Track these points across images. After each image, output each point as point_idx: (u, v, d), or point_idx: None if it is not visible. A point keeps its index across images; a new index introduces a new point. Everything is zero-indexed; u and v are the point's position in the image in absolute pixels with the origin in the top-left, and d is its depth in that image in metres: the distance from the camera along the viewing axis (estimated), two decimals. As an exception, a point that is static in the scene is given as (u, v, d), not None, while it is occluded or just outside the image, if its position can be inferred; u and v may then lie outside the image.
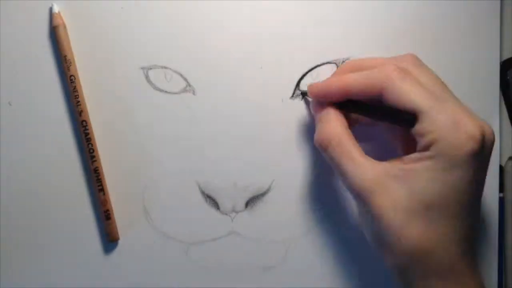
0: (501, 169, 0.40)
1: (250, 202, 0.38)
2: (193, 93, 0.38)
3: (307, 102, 0.38)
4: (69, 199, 0.37)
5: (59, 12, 0.36)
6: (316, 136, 0.33)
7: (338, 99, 0.33)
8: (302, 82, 0.38)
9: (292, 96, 0.38)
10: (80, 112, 0.36)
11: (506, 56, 0.40)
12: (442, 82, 0.33)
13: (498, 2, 0.39)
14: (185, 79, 0.37)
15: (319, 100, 0.34)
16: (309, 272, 0.39)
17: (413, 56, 0.34)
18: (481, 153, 0.30)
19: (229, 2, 0.37)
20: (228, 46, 0.37)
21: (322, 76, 0.38)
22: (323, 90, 0.34)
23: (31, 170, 0.37)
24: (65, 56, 0.36)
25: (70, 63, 0.36)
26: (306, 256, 0.39)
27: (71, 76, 0.36)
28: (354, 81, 0.32)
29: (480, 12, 0.39)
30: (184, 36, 0.37)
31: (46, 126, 0.37)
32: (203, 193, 0.38)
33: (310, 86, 0.35)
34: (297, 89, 0.38)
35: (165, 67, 0.37)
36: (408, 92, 0.30)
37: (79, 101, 0.36)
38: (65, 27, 0.36)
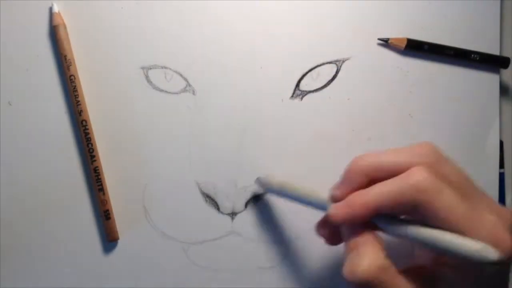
0: (501, 145, 0.40)
1: (250, 203, 0.38)
2: (193, 93, 0.38)
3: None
4: (68, 199, 0.37)
5: (59, 12, 0.36)
6: (349, 269, 0.28)
7: (366, 220, 0.29)
8: (302, 82, 0.38)
9: (292, 96, 0.38)
10: (80, 112, 0.36)
11: (506, 55, 0.40)
12: (466, 176, 0.30)
13: (498, 2, 0.39)
14: (185, 79, 0.37)
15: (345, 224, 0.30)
16: (308, 272, 0.39)
17: (433, 148, 0.30)
18: None
19: (229, 2, 0.37)
20: (228, 46, 0.37)
21: (322, 76, 0.38)
22: (349, 216, 0.29)
23: (30, 170, 0.37)
24: (65, 56, 0.36)
25: (70, 63, 0.36)
26: (306, 257, 0.39)
27: (71, 75, 0.36)
28: (379, 199, 0.28)
29: (479, 12, 0.39)
30: (184, 36, 0.37)
31: (46, 126, 0.37)
32: (202, 193, 0.38)
33: (331, 212, 0.30)
34: (297, 89, 0.38)
35: (165, 67, 0.37)
36: (445, 210, 0.27)
37: (79, 101, 0.36)
38: (65, 26, 0.36)
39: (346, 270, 0.28)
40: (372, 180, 0.29)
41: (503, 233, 0.27)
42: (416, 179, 0.27)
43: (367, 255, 0.28)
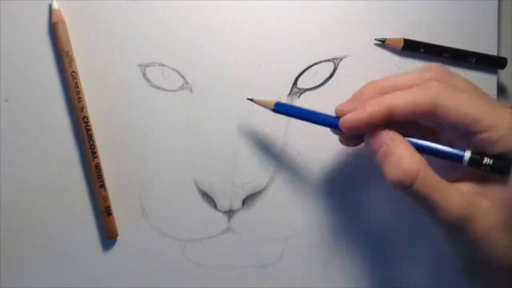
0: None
1: (247, 200, 0.38)
2: (191, 91, 0.38)
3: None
4: (67, 196, 0.37)
5: (59, 9, 0.36)
6: (393, 173, 0.29)
7: (378, 125, 0.30)
8: (300, 80, 0.38)
9: (290, 94, 0.38)
10: (82, 109, 0.36)
11: (503, 55, 0.40)
12: (476, 86, 0.32)
13: (496, 2, 0.39)
14: (183, 77, 0.37)
15: (362, 129, 0.30)
16: (305, 271, 0.39)
17: (441, 67, 0.32)
18: None
19: (226, 0, 0.37)
20: (226, 44, 0.38)
21: (319, 74, 0.38)
22: (364, 117, 0.30)
23: (28, 167, 0.37)
24: (66, 52, 0.36)
25: (72, 59, 0.36)
26: (303, 255, 0.39)
27: (72, 72, 0.36)
28: (401, 101, 0.29)
29: (477, 12, 0.39)
30: (181, 34, 0.37)
31: (43, 122, 0.37)
32: (200, 190, 0.38)
33: (344, 120, 0.31)
34: (294, 87, 0.38)
35: (163, 65, 0.37)
36: (463, 105, 0.29)
37: (80, 98, 0.36)
38: (65, 23, 0.36)
39: (390, 175, 0.29)
40: None
41: None
42: (432, 85, 0.29)
43: (405, 155, 0.29)
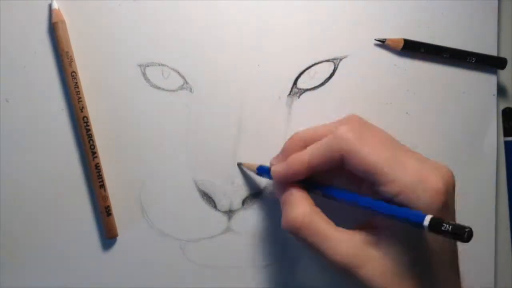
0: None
1: (247, 200, 0.38)
2: (190, 91, 0.38)
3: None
4: (67, 196, 0.37)
5: (59, 8, 0.36)
6: (283, 220, 0.32)
7: (303, 176, 0.33)
8: (300, 80, 0.38)
9: (289, 94, 0.38)
10: (82, 109, 0.36)
11: (503, 55, 0.40)
12: (391, 136, 0.33)
13: (496, 2, 0.39)
14: (183, 77, 0.37)
15: (281, 183, 0.34)
16: (305, 270, 0.39)
17: (356, 117, 0.34)
18: (447, 201, 0.29)
19: (226, 0, 0.37)
20: (226, 44, 0.38)
21: (319, 74, 0.38)
22: (285, 172, 0.33)
23: (28, 167, 0.37)
24: (66, 52, 0.36)
25: (72, 59, 0.36)
26: (303, 255, 0.39)
27: (72, 72, 0.36)
28: (312, 154, 0.32)
29: (477, 12, 0.39)
30: (181, 34, 0.37)
31: (43, 123, 0.37)
32: (200, 190, 0.38)
33: (272, 172, 0.34)
34: (294, 87, 0.38)
35: (163, 65, 0.37)
36: (369, 154, 0.30)
37: (80, 98, 0.36)
38: (65, 23, 0.36)
39: (282, 222, 0.32)
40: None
41: (429, 174, 0.29)
42: (340, 132, 0.31)
43: (295, 204, 0.32)
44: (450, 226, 0.26)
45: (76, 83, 0.36)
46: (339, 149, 0.31)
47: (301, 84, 0.38)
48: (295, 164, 0.32)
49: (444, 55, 0.39)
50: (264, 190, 0.38)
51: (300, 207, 0.32)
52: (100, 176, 0.37)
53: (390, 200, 0.29)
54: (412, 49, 0.38)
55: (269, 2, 0.38)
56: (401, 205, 0.29)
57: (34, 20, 0.36)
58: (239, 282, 0.39)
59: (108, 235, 0.37)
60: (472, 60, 0.39)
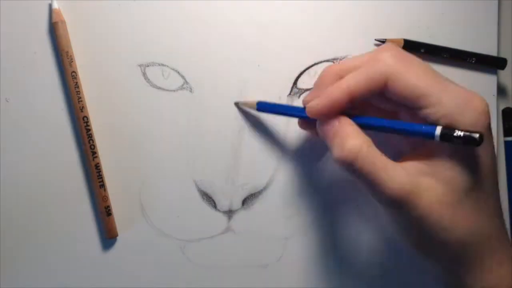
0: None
1: (247, 200, 0.38)
2: (191, 91, 0.38)
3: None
4: (67, 196, 0.37)
5: (59, 9, 0.36)
6: (339, 151, 0.30)
7: (343, 108, 0.31)
8: (300, 80, 0.38)
9: (290, 94, 0.38)
10: (82, 108, 0.36)
11: (503, 56, 0.40)
12: (429, 65, 0.32)
13: (496, 2, 0.39)
14: (183, 77, 0.37)
15: (328, 114, 0.31)
16: (305, 270, 0.39)
17: (394, 45, 0.33)
18: (490, 123, 0.30)
19: (226, 0, 0.37)
20: (226, 44, 0.38)
21: (319, 74, 0.38)
22: (324, 104, 0.31)
23: (28, 167, 0.37)
24: (66, 52, 0.36)
25: (72, 59, 0.36)
26: (303, 254, 0.39)
27: (72, 72, 0.36)
28: (356, 80, 0.31)
29: (477, 12, 0.39)
30: (181, 34, 0.37)
31: (45, 123, 0.37)
32: (200, 190, 0.38)
33: (309, 107, 0.31)
34: (294, 87, 0.38)
35: (163, 65, 0.37)
36: (413, 78, 0.30)
37: (80, 97, 0.36)
38: (65, 23, 0.36)
39: (335, 155, 0.30)
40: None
41: (473, 96, 0.29)
42: (383, 57, 0.30)
43: (350, 135, 0.30)
44: (462, 132, 0.27)
45: (76, 83, 0.36)
46: (383, 73, 0.30)
47: (301, 84, 0.38)
48: (334, 93, 0.31)
49: (444, 55, 0.39)
50: (264, 190, 0.38)
51: (357, 138, 0.30)
52: (100, 176, 0.37)
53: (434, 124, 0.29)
54: (412, 49, 0.38)
55: (269, 2, 0.38)
56: (445, 127, 0.29)
57: (34, 20, 0.36)
58: (239, 282, 0.39)
59: (108, 235, 0.37)
60: (472, 60, 0.39)
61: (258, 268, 0.39)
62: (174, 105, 0.38)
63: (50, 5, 0.36)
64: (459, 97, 0.29)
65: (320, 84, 0.33)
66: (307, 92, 0.38)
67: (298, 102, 0.38)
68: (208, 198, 0.38)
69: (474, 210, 0.30)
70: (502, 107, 0.41)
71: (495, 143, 0.40)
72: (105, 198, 0.37)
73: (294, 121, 0.38)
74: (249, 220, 0.38)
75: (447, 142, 0.28)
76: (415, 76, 0.30)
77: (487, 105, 0.30)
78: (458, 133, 0.28)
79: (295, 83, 0.38)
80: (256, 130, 0.38)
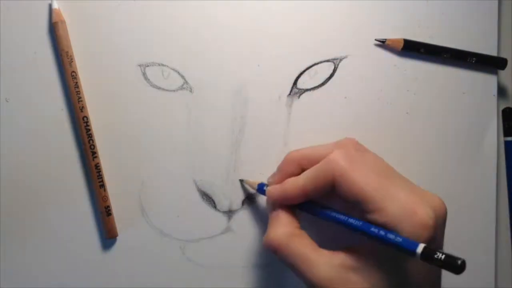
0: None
1: (247, 200, 0.38)
2: (190, 91, 0.38)
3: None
4: (67, 196, 0.37)
5: (59, 9, 0.36)
6: (264, 239, 0.33)
7: (298, 201, 0.33)
8: (300, 80, 0.38)
9: (290, 94, 0.38)
10: (82, 108, 0.36)
11: (503, 56, 0.40)
12: (387, 164, 0.33)
13: (496, 2, 0.39)
14: (183, 77, 0.38)
15: (276, 203, 0.34)
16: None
17: (353, 141, 0.34)
18: (435, 235, 0.29)
19: (226, 0, 0.37)
20: (226, 44, 0.38)
21: (319, 74, 0.38)
22: (280, 196, 0.33)
23: (29, 167, 0.37)
24: (66, 52, 0.36)
25: (72, 59, 0.36)
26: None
27: (72, 72, 0.36)
28: (307, 179, 0.32)
29: (478, 12, 0.39)
30: (181, 34, 0.37)
31: (45, 123, 0.37)
32: (199, 191, 0.38)
33: (268, 193, 0.34)
34: (294, 87, 0.38)
35: (163, 65, 0.37)
36: (357, 182, 0.30)
37: (80, 97, 0.36)
38: (65, 23, 0.36)
39: (263, 241, 0.33)
40: (304, 170, 0.33)
41: (418, 206, 0.29)
42: (332, 158, 0.31)
43: (277, 224, 0.33)
44: (443, 256, 0.26)
45: (76, 83, 0.36)
46: (331, 174, 0.31)
47: (301, 84, 0.38)
48: (290, 189, 0.33)
49: (444, 55, 0.39)
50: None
51: (281, 228, 0.32)
52: (100, 176, 0.37)
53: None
54: (412, 49, 0.38)
55: (269, 2, 0.38)
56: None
57: (34, 20, 0.36)
58: (239, 282, 0.39)
59: (108, 235, 0.37)
60: (472, 60, 0.39)
61: (258, 268, 0.39)
62: (174, 105, 0.38)
63: (50, 5, 0.36)
64: (402, 206, 0.29)
65: (281, 170, 0.35)
66: (307, 92, 0.38)
67: (298, 102, 0.38)
68: (208, 198, 0.38)
69: None
70: (502, 107, 0.41)
71: (495, 143, 0.40)
72: (105, 198, 0.37)
73: (295, 121, 0.38)
74: (249, 220, 0.38)
75: (427, 262, 0.27)
76: (360, 179, 0.30)
77: (432, 218, 0.29)
78: (439, 255, 0.26)
79: (295, 83, 0.38)
80: (256, 130, 0.38)
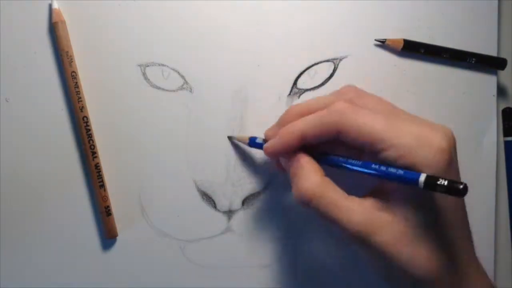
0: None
1: (247, 201, 0.38)
2: (190, 91, 0.38)
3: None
4: (67, 196, 0.37)
5: (59, 9, 0.36)
6: (295, 192, 0.31)
7: (295, 149, 0.32)
8: (299, 80, 0.38)
9: (290, 94, 0.38)
10: (81, 108, 0.36)
11: (503, 56, 0.40)
12: (391, 103, 0.33)
13: (496, 2, 0.39)
14: (183, 77, 0.38)
15: (282, 154, 0.33)
16: (304, 271, 0.39)
17: (353, 87, 0.34)
18: (453, 157, 0.29)
19: (226, 0, 0.37)
20: (226, 44, 0.38)
21: (319, 74, 0.38)
22: (279, 146, 0.32)
23: (29, 167, 0.37)
24: (66, 52, 0.36)
25: (72, 59, 0.36)
26: (302, 255, 0.39)
27: (72, 72, 0.36)
28: (308, 127, 0.31)
29: (477, 12, 0.39)
30: (181, 34, 0.37)
31: (45, 123, 0.37)
32: (199, 191, 0.38)
33: (265, 148, 0.33)
34: (294, 87, 0.38)
35: (163, 65, 0.37)
36: (365, 125, 0.30)
37: (80, 97, 0.36)
38: (65, 23, 0.36)
39: (294, 194, 0.31)
40: None
41: (430, 134, 0.29)
42: (337, 108, 0.31)
43: (305, 175, 0.31)
44: (446, 181, 0.26)
45: (76, 83, 0.36)
46: (335, 124, 0.30)
47: (301, 84, 0.38)
48: (286, 137, 0.32)
49: (444, 56, 0.39)
50: (264, 190, 0.38)
51: (311, 179, 0.31)
52: (100, 176, 0.37)
53: (392, 165, 0.29)
54: (412, 49, 0.38)
55: (269, 2, 0.38)
56: (405, 168, 0.28)
57: (34, 20, 0.36)
58: (239, 282, 0.39)
59: (108, 235, 0.37)
60: (472, 60, 0.39)
61: (258, 268, 0.39)
62: (174, 105, 0.38)
63: (50, 5, 0.36)
64: (413, 137, 0.29)
65: (281, 122, 0.34)
66: (307, 92, 0.38)
67: (298, 102, 0.38)
68: (208, 198, 0.38)
69: (435, 247, 0.30)
70: (502, 107, 0.41)
71: (495, 143, 0.40)
72: (105, 198, 0.37)
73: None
74: (249, 220, 0.38)
75: (431, 190, 0.27)
76: (366, 123, 0.30)
77: (447, 141, 0.29)
78: (442, 182, 0.26)
79: (295, 83, 0.38)
80: (256, 130, 0.38)
